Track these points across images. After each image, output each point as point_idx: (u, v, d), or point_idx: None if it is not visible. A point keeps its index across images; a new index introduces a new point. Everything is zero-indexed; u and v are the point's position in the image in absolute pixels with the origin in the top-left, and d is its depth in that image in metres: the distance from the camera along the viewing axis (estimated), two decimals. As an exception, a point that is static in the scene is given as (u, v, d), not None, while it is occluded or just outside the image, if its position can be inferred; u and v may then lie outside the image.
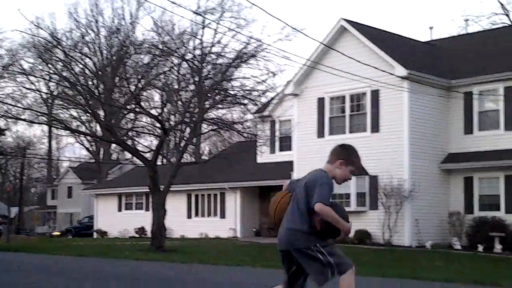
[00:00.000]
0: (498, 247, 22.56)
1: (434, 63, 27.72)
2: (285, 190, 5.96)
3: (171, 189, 24.43)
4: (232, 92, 24.18)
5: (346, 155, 5.87)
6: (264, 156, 32.24)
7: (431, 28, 32.56)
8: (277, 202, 5.88)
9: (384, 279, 12.44)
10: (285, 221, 5.69)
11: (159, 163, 30.83)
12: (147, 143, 55.51)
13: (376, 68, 24.56)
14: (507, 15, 46.30)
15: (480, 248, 22.73)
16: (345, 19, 26.54)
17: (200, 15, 23.54)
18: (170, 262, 16.91)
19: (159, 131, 25.14)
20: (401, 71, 24.58)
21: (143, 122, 33.85)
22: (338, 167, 5.81)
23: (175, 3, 23.86)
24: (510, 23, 42.66)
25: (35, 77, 31.73)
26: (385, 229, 24.26)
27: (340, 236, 5.66)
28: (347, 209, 25.63)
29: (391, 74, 24.60)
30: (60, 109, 44.86)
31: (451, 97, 26.08)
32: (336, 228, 5.60)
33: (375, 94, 25.49)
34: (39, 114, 31.16)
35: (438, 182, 25.55)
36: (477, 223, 24.01)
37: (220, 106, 25.07)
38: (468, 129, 25.72)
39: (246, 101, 24.02)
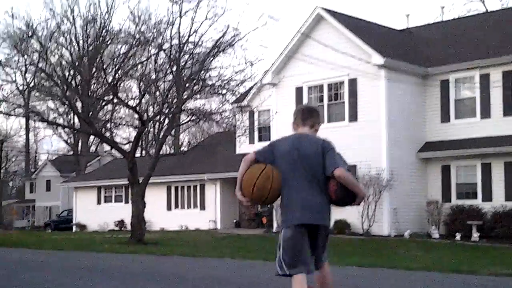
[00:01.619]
0: (475, 235, 22.72)
1: (410, 51, 27.80)
2: (254, 161, 5.41)
3: (150, 181, 24.32)
4: (210, 82, 24.07)
5: (320, 120, 5.68)
6: (243, 146, 32.18)
7: (407, 15, 32.66)
8: (271, 177, 5.26)
9: (363, 268, 12.48)
10: (308, 194, 5.21)
11: (138, 154, 30.70)
12: (125, 134, 55.34)
13: (353, 56, 24.60)
14: (483, 2, 46.60)
15: (458, 236, 22.89)
16: (322, 7, 26.50)
17: (177, 3, 23.37)
18: (149, 254, 16.84)
19: (137, 122, 25.01)
20: (378, 59, 24.62)
21: (121, 113, 33.68)
22: (317, 131, 5.57)
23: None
24: (485, 10, 42.88)
25: (11, 68, 31.33)
26: (364, 219, 24.34)
27: (355, 202, 5.33)
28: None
29: (368, 62, 24.64)
30: (37, 101, 44.43)
31: (428, 85, 26.19)
32: (352, 195, 5.27)
33: (353, 82, 25.52)
34: (15, 106, 30.75)
35: (416, 171, 25.67)
36: (454, 211, 24.16)
37: (198, 96, 24.97)
38: (445, 117, 25.86)
39: (224, 91, 23.92)
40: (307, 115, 5.54)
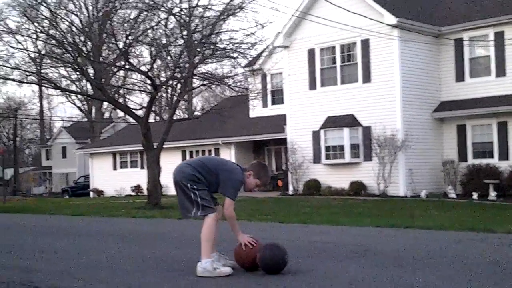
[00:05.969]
0: (492, 194, 22.67)
1: (423, 10, 27.44)
2: None
3: (165, 146, 24.35)
4: (221, 46, 23.90)
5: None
6: (256, 110, 32.13)
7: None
8: None
9: (379, 228, 12.48)
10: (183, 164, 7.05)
11: (151, 120, 30.71)
12: (138, 100, 55.26)
13: (365, 16, 24.32)
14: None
15: (475, 195, 22.85)
16: (334, -32, 26.08)
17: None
18: (166, 218, 16.94)
19: (149, 87, 24.95)
20: (391, 19, 24.33)
21: (133, 79, 33.59)
22: None
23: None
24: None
25: (22, 35, 31.12)
26: (379, 180, 24.34)
27: None
28: (341, 161, 25.70)
29: (380, 22, 24.37)
30: (49, 68, 44.33)
31: (441, 44, 25.90)
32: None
33: (366, 43, 25.27)
34: (28, 73, 30.65)
35: (431, 131, 25.56)
36: (471, 170, 24.09)
37: (209, 60, 24.81)
38: (460, 77, 25.62)
39: (235, 55, 23.76)
40: None
